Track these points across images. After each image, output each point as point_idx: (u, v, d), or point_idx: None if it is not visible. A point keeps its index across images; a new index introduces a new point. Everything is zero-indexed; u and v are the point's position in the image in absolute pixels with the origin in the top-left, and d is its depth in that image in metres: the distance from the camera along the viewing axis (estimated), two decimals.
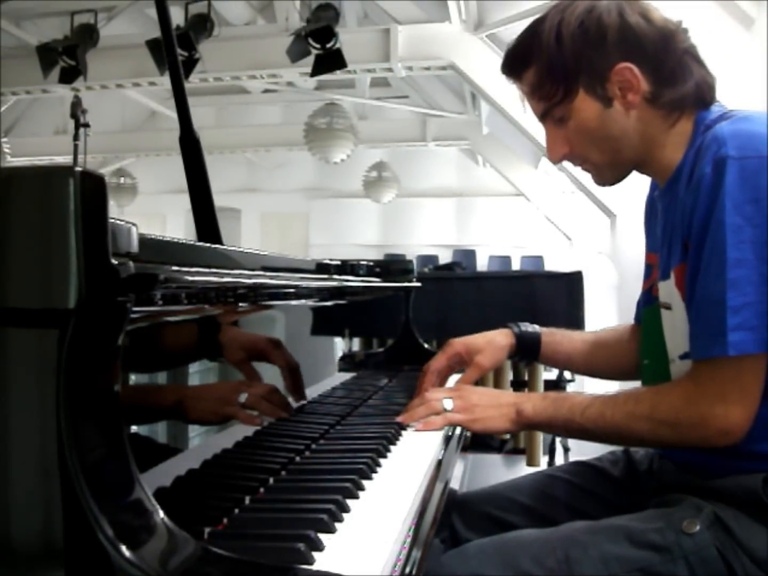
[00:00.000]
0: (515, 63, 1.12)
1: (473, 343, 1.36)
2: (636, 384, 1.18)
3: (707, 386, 0.96)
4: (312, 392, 1.24)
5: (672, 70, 1.04)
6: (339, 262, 1.50)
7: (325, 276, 1.38)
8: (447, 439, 1.18)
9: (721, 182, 0.93)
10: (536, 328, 1.38)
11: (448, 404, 1.16)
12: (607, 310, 5.70)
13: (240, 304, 0.93)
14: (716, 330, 0.93)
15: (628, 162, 1.11)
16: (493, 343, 1.36)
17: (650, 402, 1.02)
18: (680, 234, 1.02)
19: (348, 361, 1.58)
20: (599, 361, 1.37)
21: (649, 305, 1.16)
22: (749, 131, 0.96)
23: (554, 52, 1.05)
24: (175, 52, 1.25)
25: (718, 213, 0.93)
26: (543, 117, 1.12)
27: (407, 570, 0.68)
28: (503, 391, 1.24)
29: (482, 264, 9.80)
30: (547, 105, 1.09)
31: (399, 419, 1.19)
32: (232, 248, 0.98)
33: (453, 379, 1.39)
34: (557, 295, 3.05)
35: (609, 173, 1.13)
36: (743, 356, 0.92)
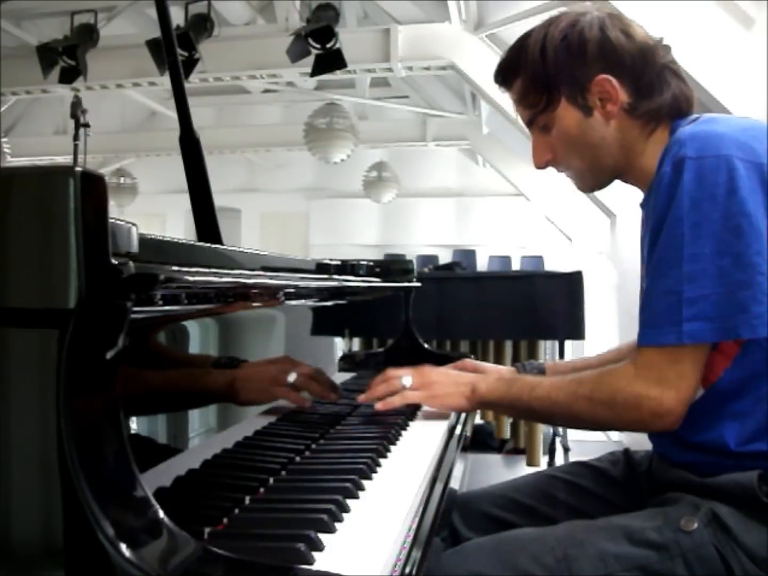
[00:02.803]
0: (505, 73, 1.18)
1: (481, 366, 1.47)
2: None
3: (646, 370, 1.00)
4: None
5: (650, 82, 1.09)
6: (339, 262, 1.50)
7: (325, 276, 1.38)
8: (447, 439, 1.18)
9: (679, 181, 0.97)
10: (542, 363, 1.50)
11: (407, 381, 1.23)
12: (607, 310, 5.69)
13: (240, 304, 0.93)
14: (671, 320, 0.97)
15: (607, 169, 1.16)
16: (499, 373, 1.45)
17: (591, 383, 1.06)
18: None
19: (348, 361, 1.58)
20: None
21: None
22: (708, 132, 1.01)
23: (538, 63, 1.11)
24: (175, 52, 1.25)
25: (675, 209, 0.97)
26: (529, 124, 1.18)
27: (407, 570, 0.68)
28: (462, 372, 1.31)
29: (482, 264, 9.78)
30: (532, 113, 1.15)
31: (361, 398, 1.26)
32: (232, 248, 0.98)
33: None
34: (557, 295, 3.05)
35: (590, 179, 1.19)
36: (684, 344, 0.96)
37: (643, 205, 1.16)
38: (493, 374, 1.35)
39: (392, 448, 1.08)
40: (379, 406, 1.22)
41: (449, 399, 1.22)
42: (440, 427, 1.24)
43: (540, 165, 1.19)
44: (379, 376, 1.28)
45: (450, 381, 1.25)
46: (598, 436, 4.03)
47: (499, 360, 3.00)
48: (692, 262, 0.95)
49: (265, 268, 1.03)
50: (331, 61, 4.72)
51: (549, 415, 1.17)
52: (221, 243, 1.19)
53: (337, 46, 4.64)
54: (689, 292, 0.95)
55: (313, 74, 4.88)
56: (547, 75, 1.11)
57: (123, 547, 0.52)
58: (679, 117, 1.11)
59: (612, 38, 1.08)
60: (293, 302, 1.19)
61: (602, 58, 1.08)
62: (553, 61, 1.10)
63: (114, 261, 0.56)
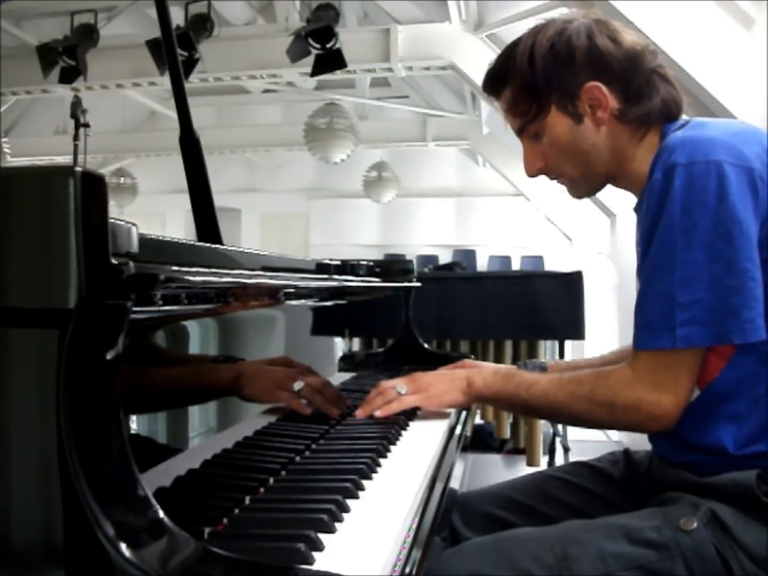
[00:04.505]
0: (493, 82, 1.19)
1: (481, 366, 1.47)
2: None
3: (644, 374, 1.01)
4: None
5: (639, 88, 1.10)
6: (339, 262, 1.50)
7: (325, 276, 1.38)
8: (447, 439, 1.18)
9: (670, 187, 0.98)
10: (544, 362, 1.49)
11: (402, 389, 1.23)
12: (607, 310, 5.69)
13: (240, 304, 0.93)
14: (664, 324, 0.98)
15: (599, 175, 1.17)
16: (496, 368, 1.44)
17: (591, 384, 1.07)
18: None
19: (348, 361, 1.58)
20: None
21: None
22: (697, 137, 1.01)
23: (527, 72, 1.11)
24: (175, 52, 1.25)
25: (667, 215, 0.98)
26: (519, 133, 1.19)
27: (407, 570, 0.68)
28: (455, 369, 1.32)
29: (482, 264, 9.78)
30: (523, 121, 1.16)
31: (358, 413, 1.24)
32: (232, 248, 0.98)
33: None
34: (557, 295, 3.05)
35: (582, 186, 1.20)
36: (680, 349, 0.98)
37: (636, 210, 1.17)
38: (489, 369, 1.35)
39: (392, 448, 1.08)
40: (378, 413, 1.22)
41: (446, 396, 1.23)
42: (440, 427, 1.24)
43: (532, 173, 1.20)
44: (374, 390, 1.27)
45: (444, 379, 1.25)
46: (598, 436, 4.04)
47: (499, 360, 3.00)
48: (684, 268, 0.96)
49: (265, 268, 1.03)
50: (331, 61, 4.73)
51: (547, 412, 1.18)
52: (221, 243, 1.20)
53: (337, 46, 4.64)
54: (682, 297, 0.96)
55: (313, 74, 4.88)
56: (536, 83, 1.11)
57: (123, 547, 0.52)
58: (668, 121, 1.12)
59: (600, 45, 1.08)
60: (293, 302, 1.19)
61: (591, 65, 1.08)
62: (541, 69, 1.10)
63: (114, 261, 0.56)
